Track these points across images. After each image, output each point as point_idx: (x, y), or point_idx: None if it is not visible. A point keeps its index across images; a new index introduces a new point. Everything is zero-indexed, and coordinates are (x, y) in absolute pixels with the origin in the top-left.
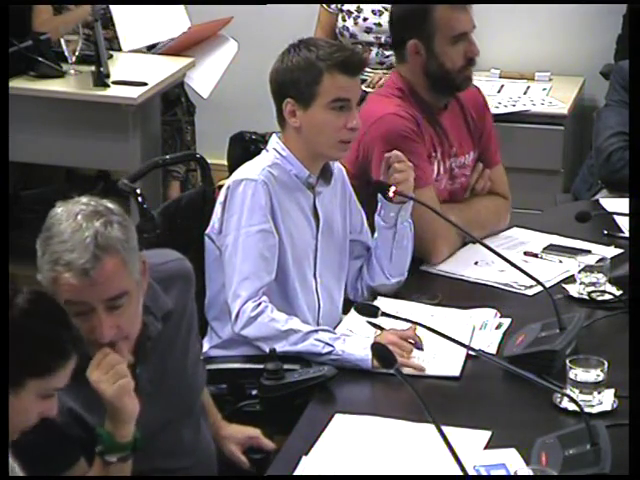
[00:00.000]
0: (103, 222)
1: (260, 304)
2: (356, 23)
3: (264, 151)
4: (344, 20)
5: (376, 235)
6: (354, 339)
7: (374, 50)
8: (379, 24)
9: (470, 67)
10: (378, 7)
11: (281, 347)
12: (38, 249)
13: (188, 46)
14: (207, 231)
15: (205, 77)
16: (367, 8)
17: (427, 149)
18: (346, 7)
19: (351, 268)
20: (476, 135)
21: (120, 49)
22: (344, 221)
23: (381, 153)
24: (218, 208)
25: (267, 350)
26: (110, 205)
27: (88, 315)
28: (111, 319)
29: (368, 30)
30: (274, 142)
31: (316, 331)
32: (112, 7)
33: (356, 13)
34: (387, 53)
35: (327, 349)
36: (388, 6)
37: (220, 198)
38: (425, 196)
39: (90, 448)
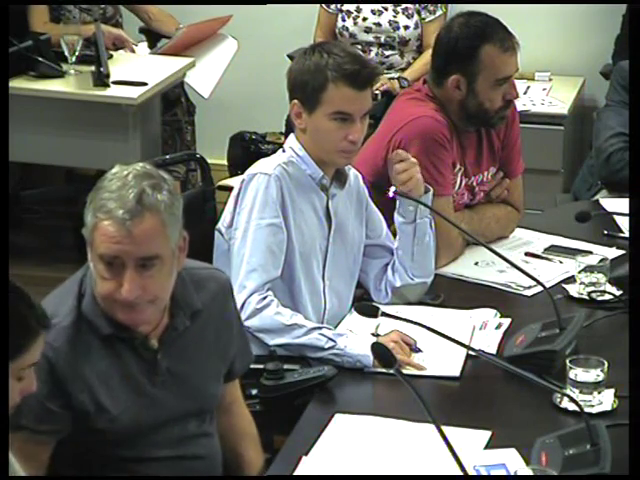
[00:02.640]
0: (151, 184)
1: (266, 297)
2: (355, 23)
3: (280, 149)
4: (343, 20)
5: (397, 236)
6: (357, 336)
7: (374, 50)
8: (378, 24)
9: (508, 109)
10: (377, 7)
11: (284, 340)
12: (87, 201)
13: (187, 45)
14: (217, 226)
15: (205, 77)
16: (366, 8)
17: (453, 159)
18: (345, 7)
19: (372, 269)
20: (499, 148)
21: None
22: (359, 228)
23: (413, 153)
24: (231, 201)
25: (269, 342)
26: (165, 175)
27: (118, 271)
28: (139, 279)
29: (367, 30)
30: (291, 141)
31: (320, 327)
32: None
33: (355, 13)
34: (387, 53)
35: (330, 344)
36: (387, 5)
37: (234, 192)
38: (441, 205)
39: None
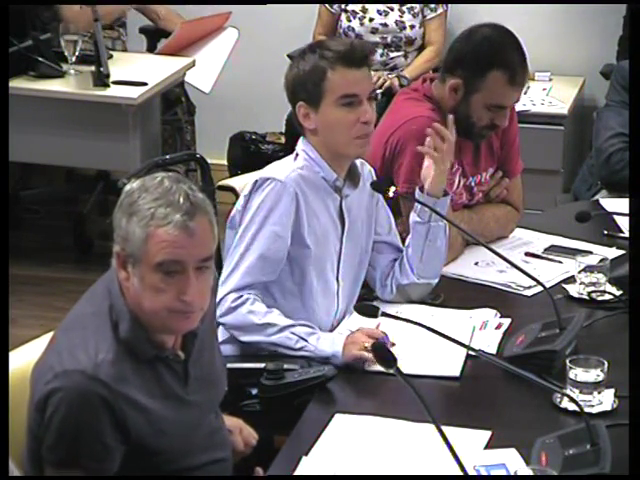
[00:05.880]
0: (189, 186)
1: (242, 296)
2: (362, 24)
3: (293, 154)
4: (349, 20)
5: (410, 234)
6: (328, 335)
7: (379, 51)
8: (385, 24)
9: (492, 130)
10: (383, 7)
11: (255, 338)
12: (120, 220)
13: (186, 44)
14: (228, 223)
15: (205, 72)
16: (372, 8)
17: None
18: (351, 7)
19: (380, 265)
20: (495, 145)
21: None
22: (369, 223)
23: (410, 153)
24: (242, 200)
25: (240, 339)
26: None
27: (176, 279)
28: (197, 284)
29: (374, 31)
30: (303, 145)
31: (293, 325)
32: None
33: (361, 14)
34: (392, 55)
35: (300, 344)
36: (393, 6)
37: (245, 191)
38: None
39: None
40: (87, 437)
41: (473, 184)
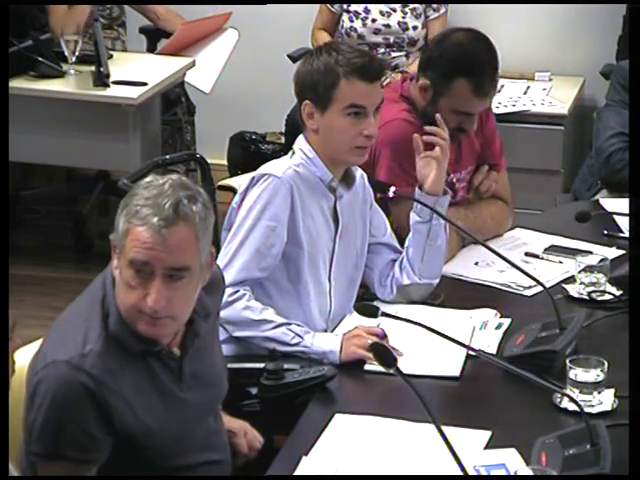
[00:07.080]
0: (187, 195)
1: (238, 291)
2: (364, 25)
3: (290, 152)
4: (351, 21)
5: (410, 235)
6: (324, 335)
7: (381, 50)
8: (388, 25)
9: (461, 133)
10: (386, 8)
11: (248, 333)
12: (119, 208)
13: (186, 44)
14: (225, 225)
15: (205, 72)
16: (375, 9)
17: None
18: (353, 8)
19: (377, 265)
20: (476, 144)
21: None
22: (364, 227)
23: (388, 157)
24: (237, 198)
25: (233, 334)
26: (200, 189)
27: (145, 280)
28: (165, 291)
29: (377, 31)
30: (301, 142)
31: (289, 323)
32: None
33: (364, 14)
34: (393, 54)
35: (296, 340)
36: (395, 6)
37: (241, 188)
38: (411, 205)
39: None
40: (71, 428)
41: (454, 180)
